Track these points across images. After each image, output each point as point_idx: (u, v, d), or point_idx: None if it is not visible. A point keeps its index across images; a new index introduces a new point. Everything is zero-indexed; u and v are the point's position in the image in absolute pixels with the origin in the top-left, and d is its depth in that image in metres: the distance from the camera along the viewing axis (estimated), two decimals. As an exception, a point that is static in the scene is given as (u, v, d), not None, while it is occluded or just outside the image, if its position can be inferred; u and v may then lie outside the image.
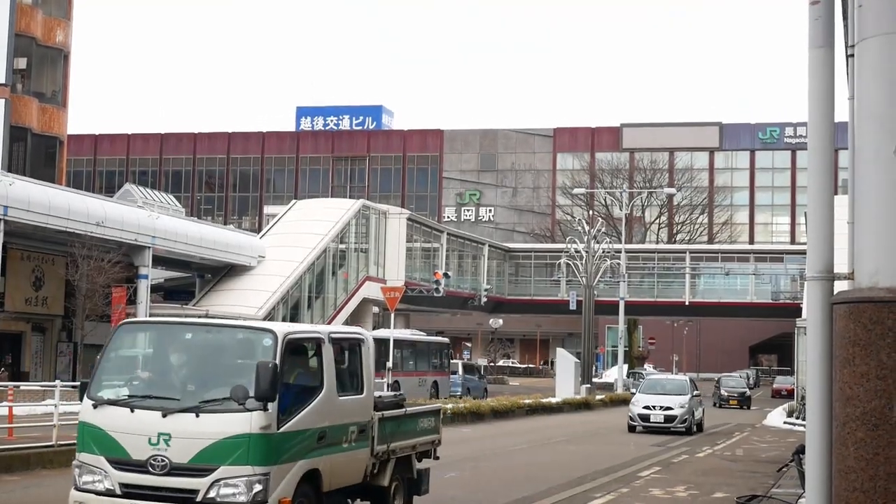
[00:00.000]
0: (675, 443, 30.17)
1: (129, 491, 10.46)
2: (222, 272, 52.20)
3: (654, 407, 33.62)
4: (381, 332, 44.69)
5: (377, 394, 13.61)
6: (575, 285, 64.04)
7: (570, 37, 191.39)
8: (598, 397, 51.41)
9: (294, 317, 52.21)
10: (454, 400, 40.37)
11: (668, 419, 33.28)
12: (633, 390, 50.56)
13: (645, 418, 33.52)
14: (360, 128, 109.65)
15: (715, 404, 54.18)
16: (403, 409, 13.81)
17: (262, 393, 10.21)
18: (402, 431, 13.51)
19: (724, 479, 20.27)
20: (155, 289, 53.56)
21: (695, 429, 34.27)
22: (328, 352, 11.72)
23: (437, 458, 15.15)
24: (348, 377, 12.51)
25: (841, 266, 7.65)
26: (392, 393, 15.88)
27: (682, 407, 33.43)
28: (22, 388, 29.68)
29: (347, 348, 12.72)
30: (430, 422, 14.71)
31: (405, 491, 13.89)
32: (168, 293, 59.41)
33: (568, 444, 28.85)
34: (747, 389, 57.11)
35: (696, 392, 35.14)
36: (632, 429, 33.70)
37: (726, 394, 56.16)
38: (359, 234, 59.07)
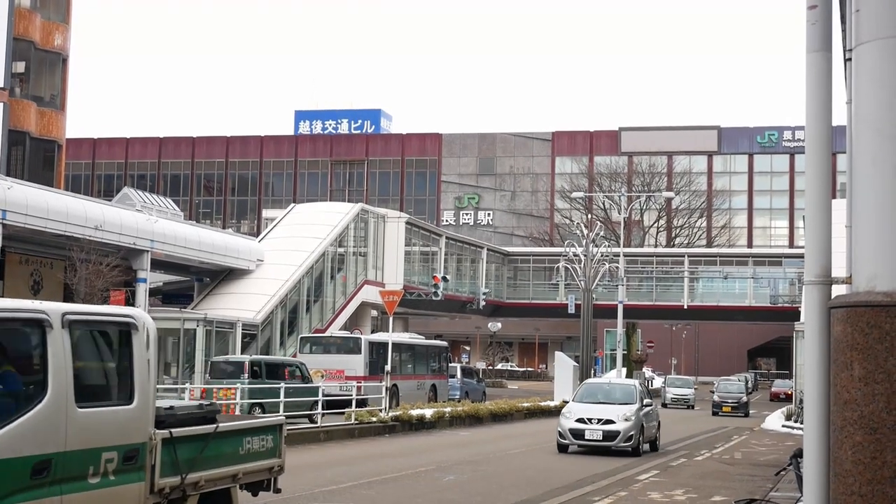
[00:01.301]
0: (673, 446, 30.18)
1: None
2: (221, 276, 52.19)
3: (590, 420, 26.29)
4: (380, 336, 44.67)
5: (169, 403, 10.36)
6: (573, 289, 64.00)
7: (568, 40, 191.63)
8: (597, 401, 51.41)
9: (293, 320, 52.23)
10: (452, 403, 40.38)
11: (609, 436, 26.04)
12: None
13: (578, 434, 26.24)
14: (358, 131, 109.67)
15: (714, 413, 50.91)
16: (213, 425, 10.04)
17: None
18: (213, 456, 9.85)
19: (722, 483, 20.27)
20: (153, 292, 53.60)
21: (646, 447, 27.73)
22: (59, 341, 8.10)
23: (278, 490, 11.40)
24: (105, 380, 9.02)
25: (839, 270, 7.65)
26: (196, 402, 11.85)
27: (626, 420, 26.20)
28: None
29: (105, 338, 9.03)
30: (265, 441, 10.87)
31: None
32: (166, 297, 59.42)
33: (566, 447, 28.82)
34: (744, 395, 52.46)
35: (647, 402, 28.01)
36: (563, 448, 26.48)
37: (719, 399, 51.79)
38: (357, 237, 59.06)
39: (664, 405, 55.19)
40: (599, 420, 26.21)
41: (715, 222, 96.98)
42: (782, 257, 76.62)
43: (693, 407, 57.39)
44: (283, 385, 29.57)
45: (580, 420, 26.34)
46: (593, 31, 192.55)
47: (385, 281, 58.30)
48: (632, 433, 26.10)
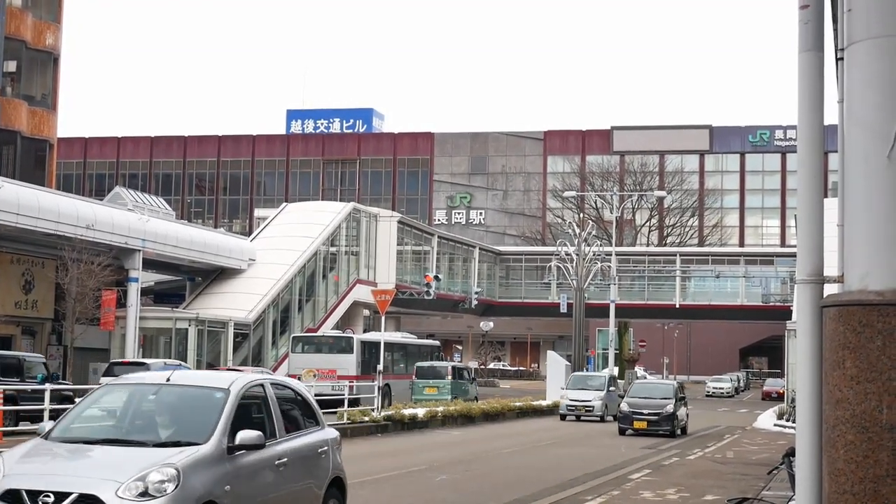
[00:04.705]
0: (665, 444, 30.20)
1: None
2: (213, 275, 52.16)
3: None
4: (372, 335, 44.67)
5: None
6: (565, 288, 64.04)
7: (560, 40, 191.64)
8: (589, 400, 51.30)
9: (284, 320, 52.23)
10: (445, 402, 40.36)
11: None
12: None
13: None
14: (350, 130, 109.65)
15: (622, 430, 34.04)
16: None
17: None
18: None
19: (714, 482, 20.29)
20: (145, 292, 53.48)
21: None
22: None
23: None
24: None
25: (831, 269, 7.65)
26: None
27: None
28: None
29: None
30: None
31: None
32: (158, 296, 59.37)
33: (558, 446, 28.85)
34: (672, 402, 33.90)
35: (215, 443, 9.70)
36: None
37: (630, 410, 33.96)
38: (349, 236, 59.08)
39: (562, 416, 41.45)
40: None
41: (707, 221, 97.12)
42: (774, 256, 76.78)
43: (604, 418, 40.95)
44: (450, 380, 43.60)
45: None
46: (585, 30, 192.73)
47: (377, 280, 58.31)
48: None
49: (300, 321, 52.89)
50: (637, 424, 33.41)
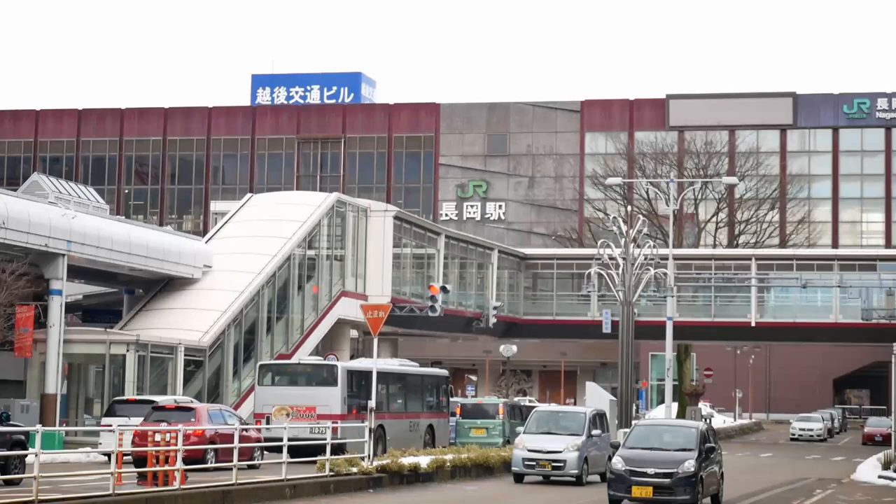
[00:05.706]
0: (742, 502, 30.11)
1: None
2: (157, 287, 52.20)
3: None
4: (362, 363, 44.65)
5: None
6: (609, 302, 63.97)
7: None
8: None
9: (249, 343, 52.23)
10: (455, 450, 40.34)
11: None
12: None
13: None
14: (333, 101, 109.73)
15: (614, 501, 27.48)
16: None
17: None
18: None
19: (802, 550, 20.25)
20: (71, 308, 53.56)
21: None
22: None
23: None
24: None
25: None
26: None
27: None
28: None
29: None
30: None
31: None
32: (88, 313, 59.44)
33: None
34: (691, 456, 27.30)
35: None
36: None
37: (625, 468, 27.19)
38: (332, 237, 59.10)
39: (517, 477, 34.70)
40: None
41: (790, 216, 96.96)
42: (877, 260, 76.68)
43: (581, 480, 34.55)
44: (501, 421, 48.07)
45: None
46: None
47: (368, 292, 58.33)
48: None
49: (269, 345, 52.88)
50: (637, 491, 27.04)
